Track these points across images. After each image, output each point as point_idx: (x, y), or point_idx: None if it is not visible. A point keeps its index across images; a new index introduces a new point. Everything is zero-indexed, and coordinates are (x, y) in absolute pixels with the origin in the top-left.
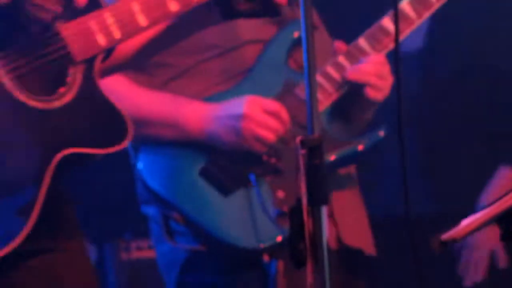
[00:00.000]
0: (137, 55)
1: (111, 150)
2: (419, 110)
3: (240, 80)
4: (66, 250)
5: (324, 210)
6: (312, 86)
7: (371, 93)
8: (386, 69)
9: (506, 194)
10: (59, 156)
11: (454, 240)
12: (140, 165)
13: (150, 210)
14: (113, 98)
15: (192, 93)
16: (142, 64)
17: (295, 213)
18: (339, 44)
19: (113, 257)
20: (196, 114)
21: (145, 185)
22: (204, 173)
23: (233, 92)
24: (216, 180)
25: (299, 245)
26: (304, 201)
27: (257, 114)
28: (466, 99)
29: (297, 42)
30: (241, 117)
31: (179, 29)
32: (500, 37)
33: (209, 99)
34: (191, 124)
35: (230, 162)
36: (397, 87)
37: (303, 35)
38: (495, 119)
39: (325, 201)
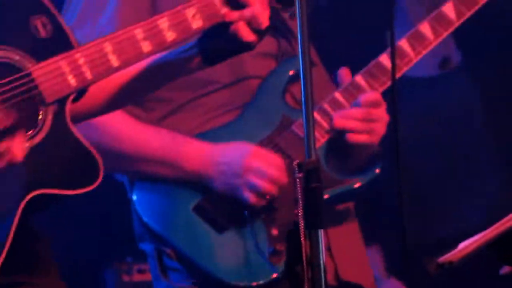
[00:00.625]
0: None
1: (81, 191)
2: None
3: (237, 115)
4: (39, 285)
5: (321, 233)
6: (308, 109)
7: (354, 137)
8: (378, 111)
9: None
10: (28, 196)
11: (450, 263)
12: (135, 199)
13: (146, 247)
14: (105, 136)
15: (189, 128)
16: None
17: (292, 236)
18: (345, 71)
19: (115, 280)
20: (195, 156)
21: (140, 219)
22: (198, 210)
23: (230, 127)
24: (209, 216)
25: (296, 268)
26: (301, 224)
27: (259, 170)
28: None
29: (293, 79)
30: (241, 174)
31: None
32: None
33: (206, 134)
34: (189, 166)
35: (224, 199)
36: (393, 123)
37: (301, 71)
38: None
39: (322, 224)
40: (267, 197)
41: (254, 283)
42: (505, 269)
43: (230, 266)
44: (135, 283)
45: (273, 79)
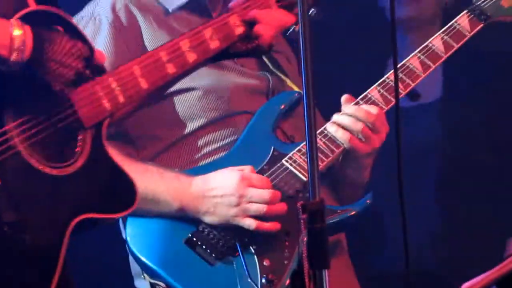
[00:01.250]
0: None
1: (122, 214)
2: None
3: (228, 150)
4: None
5: (326, 274)
6: (312, 148)
7: (359, 145)
8: (383, 124)
9: (506, 258)
10: (75, 221)
11: None
12: (128, 237)
13: (141, 285)
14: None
15: (180, 164)
16: (130, 137)
17: (297, 276)
18: (348, 97)
19: None
20: (184, 192)
21: (134, 256)
22: (189, 243)
23: (220, 162)
24: (201, 249)
25: None
26: (306, 265)
27: (254, 195)
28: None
29: (284, 114)
30: (237, 203)
31: (168, 101)
32: None
33: (199, 169)
34: (178, 202)
35: (215, 231)
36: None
37: (305, 110)
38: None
39: (327, 265)
40: (270, 218)
41: None
42: None
43: None
44: None
45: (264, 114)
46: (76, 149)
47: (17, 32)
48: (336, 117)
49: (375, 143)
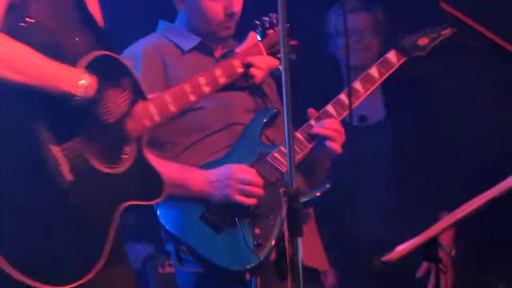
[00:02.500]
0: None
1: (154, 201)
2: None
3: (228, 151)
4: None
5: (300, 241)
6: (291, 149)
7: (331, 144)
8: (340, 130)
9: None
10: (122, 207)
11: (390, 261)
12: (158, 214)
13: (169, 248)
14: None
15: (194, 162)
16: (157, 142)
17: (279, 242)
18: (312, 110)
19: (153, 271)
20: (197, 179)
21: (163, 228)
22: (202, 218)
23: (222, 160)
24: (211, 222)
25: (282, 265)
26: (286, 234)
27: (240, 179)
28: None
29: (266, 124)
30: (229, 185)
31: (185, 116)
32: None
33: (208, 165)
34: (193, 187)
35: (221, 210)
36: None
37: (285, 112)
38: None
39: (301, 233)
40: (254, 196)
41: (244, 268)
42: (421, 271)
43: (226, 256)
44: (166, 274)
45: (252, 125)
46: (124, 155)
47: (84, 81)
48: (315, 124)
49: (339, 141)
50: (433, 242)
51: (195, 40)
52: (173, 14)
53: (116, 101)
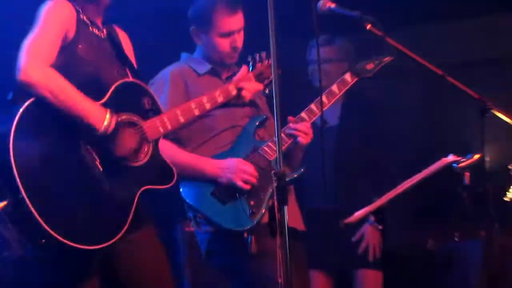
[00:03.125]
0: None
1: (167, 186)
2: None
3: (231, 145)
4: (147, 232)
5: (286, 208)
6: (279, 143)
7: (302, 140)
8: (310, 130)
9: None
10: (141, 190)
11: (351, 223)
12: (181, 191)
13: (190, 215)
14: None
15: (208, 153)
16: (180, 139)
17: (272, 209)
18: (290, 117)
19: (181, 230)
20: (210, 166)
21: (185, 201)
22: (213, 194)
23: (228, 153)
24: (219, 197)
25: (273, 226)
26: (276, 203)
27: (243, 169)
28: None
29: (259, 126)
30: (234, 172)
31: (199, 121)
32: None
33: (218, 156)
34: (207, 171)
35: (226, 188)
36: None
37: (275, 114)
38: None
39: (286, 203)
40: (250, 182)
41: (242, 229)
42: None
43: (230, 221)
44: (190, 232)
45: (248, 127)
46: (143, 153)
47: (107, 120)
48: (292, 126)
49: (308, 138)
50: (380, 210)
51: (207, 67)
52: (192, 47)
53: (126, 138)
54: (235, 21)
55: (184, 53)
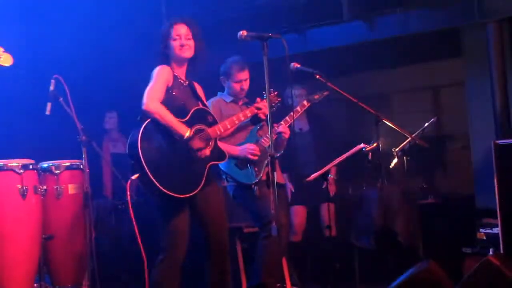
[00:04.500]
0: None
1: (223, 161)
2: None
3: (245, 139)
4: (213, 185)
5: (275, 172)
6: (271, 138)
7: (285, 136)
8: (288, 130)
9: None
10: (209, 164)
11: (310, 180)
12: (220, 164)
13: (223, 177)
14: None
15: (234, 143)
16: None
17: (268, 174)
18: (275, 124)
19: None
20: (235, 149)
21: (220, 168)
22: (235, 164)
23: (243, 143)
24: (239, 166)
25: (268, 180)
26: (270, 169)
27: (251, 148)
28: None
29: (259, 129)
30: (245, 150)
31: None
32: None
33: (238, 144)
34: (233, 152)
35: (242, 161)
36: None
37: (269, 118)
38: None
39: (275, 169)
40: (256, 156)
41: (251, 182)
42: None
43: (244, 178)
44: (225, 186)
45: (253, 129)
46: (208, 146)
47: (188, 133)
48: (280, 129)
49: (287, 135)
50: (326, 172)
51: (230, 99)
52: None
53: (198, 144)
54: (243, 75)
55: (220, 92)
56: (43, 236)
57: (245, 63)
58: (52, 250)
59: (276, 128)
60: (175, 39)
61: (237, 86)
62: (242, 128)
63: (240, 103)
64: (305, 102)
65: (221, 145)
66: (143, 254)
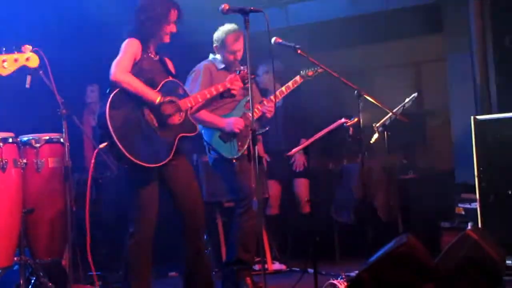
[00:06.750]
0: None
1: (193, 134)
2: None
3: (231, 111)
4: (182, 159)
5: (256, 147)
6: (253, 114)
7: (268, 115)
8: (273, 109)
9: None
10: (179, 136)
11: (291, 154)
12: (203, 132)
13: (206, 148)
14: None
15: (219, 114)
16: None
17: (249, 149)
18: (265, 99)
19: (200, 160)
20: (220, 121)
21: (203, 139)
22: (219, 136)
23: (229, 115)
24: (222, 138)
25: (250, 154)
26: (251, 145)
27: (238, 123)
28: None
29: (247, 102)
30: (232, 123)
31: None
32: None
33: (224, 116)
34: (218, 123)
35: (226, 134)
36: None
37: (250, 93)
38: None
39: (256, 143)
40: (241, 128)
41: (233, 157)
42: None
43: (226, 151)
44: (205, 161)
45: (241, 101)
46: (180, 116)
47: (158, 98)
48: (266, 106)
49: (272, 114)
50: (306, 147)
51: (222, 66)
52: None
53: (168, 109)
54: (237, 45)
55: (212, 54)
56: (23, 209)
57: (240, 32)
58: (32, 224)
59: (265, 103)
60: (168, 24)
61: (230, 57)
62: (229, 99)
63: (232, 72)
64: (297, 78)
65: (209, 116)
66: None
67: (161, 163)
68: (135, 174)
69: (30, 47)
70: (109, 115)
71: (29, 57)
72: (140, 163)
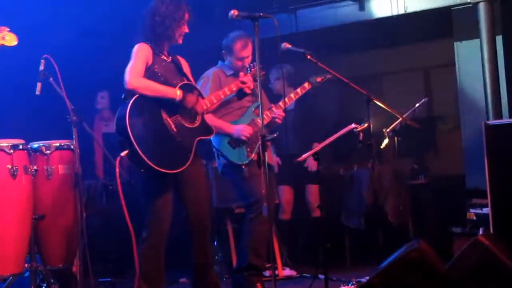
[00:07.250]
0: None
1: (209, 137)
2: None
3: (240, 118)
4: (198, 163)
5: (266, 154)
6: (262, 118)
7: (278, 121)
8: (283, 115)
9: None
10: (197, 139)
11: (302, 159)
12: (212, 139)
13: (216, 154)
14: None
15: (228, 120)
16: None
17: (259, 155)
18: (273, 105)
19: (210, 165)
20: (229, 127)
21: (213, 145)
22: (228, 142)
23: (238, 121)
24: (231, 144)
25: (259, 161)
26: (261, 151)
27: (246, 131)
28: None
29: (256, 108)
30: (240, 130)
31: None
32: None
33: (233, 122)
34: (227, 130)
35: (235, 140)
36: (285, 122)
37: (260, 100)
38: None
39: (266, 150)
40: (248, 136)
41: (242, 163)
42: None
43: (236, 157)
44: (215, 167)
45: (250, 107)
46: (197, 120)
47: (178, 92)
48: (276, 112)
49: (281, 121)
50: (317, 153)
51: (230, 72)
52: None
53: (191, 99)
54: (246, 52)
55: (220, 61)
56: (34, 216)
57: (248, 39)
58: (43, 230)
59: (274, 109)
60: (184, 25)
61: (239, 63)
62: (238, 105)
63: (240, 77)
64: (306, 84)
65: (217, 121)
66: (132, 232)
67: (181, 169)
68: (152, 180)
69: (7, 28)
70: (129, 121)
71: (4, 36)
72: (162, 170)
